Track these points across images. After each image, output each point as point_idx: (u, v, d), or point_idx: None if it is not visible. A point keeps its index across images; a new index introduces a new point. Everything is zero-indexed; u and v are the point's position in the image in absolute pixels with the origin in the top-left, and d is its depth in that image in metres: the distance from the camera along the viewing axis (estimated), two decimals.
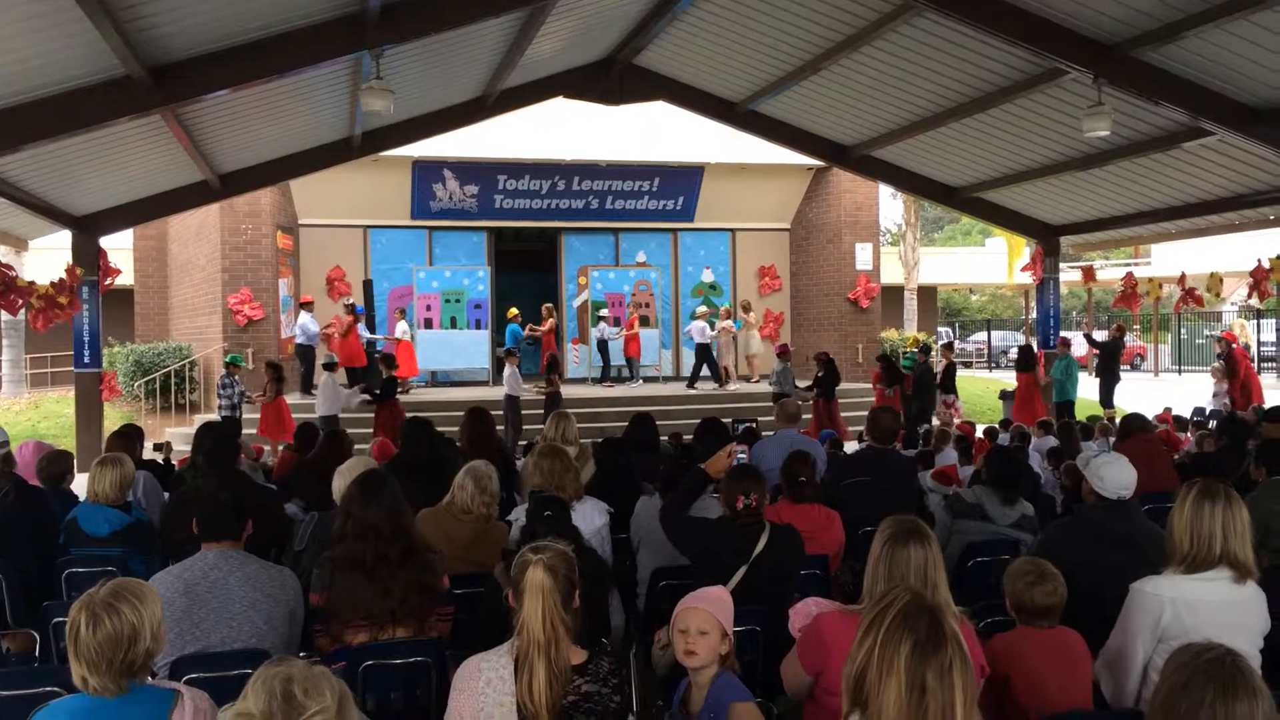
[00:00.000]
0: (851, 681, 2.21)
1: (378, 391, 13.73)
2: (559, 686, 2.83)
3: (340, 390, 13.93)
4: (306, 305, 17.27)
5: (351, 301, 17.69)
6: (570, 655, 2.91)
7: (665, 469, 5.41)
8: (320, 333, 17.17)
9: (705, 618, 3.22)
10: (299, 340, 17.01)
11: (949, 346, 17.91)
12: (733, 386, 18.26)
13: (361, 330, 17.38)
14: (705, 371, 18.41)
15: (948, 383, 16.41)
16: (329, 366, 14.37)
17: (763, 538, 4.23)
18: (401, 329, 17.96)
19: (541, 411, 14.95)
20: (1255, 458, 5.88)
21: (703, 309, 19.27)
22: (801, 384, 16.14)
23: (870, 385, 17.43)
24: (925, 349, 17.56)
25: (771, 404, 15.58)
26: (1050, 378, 15.77)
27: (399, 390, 15.09)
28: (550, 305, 19.21)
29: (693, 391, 17.96)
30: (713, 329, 18.68)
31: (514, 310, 18.92)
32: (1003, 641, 3.41)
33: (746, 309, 19.57)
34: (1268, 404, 12.91)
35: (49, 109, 8.53)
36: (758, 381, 18.86)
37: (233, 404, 13.93)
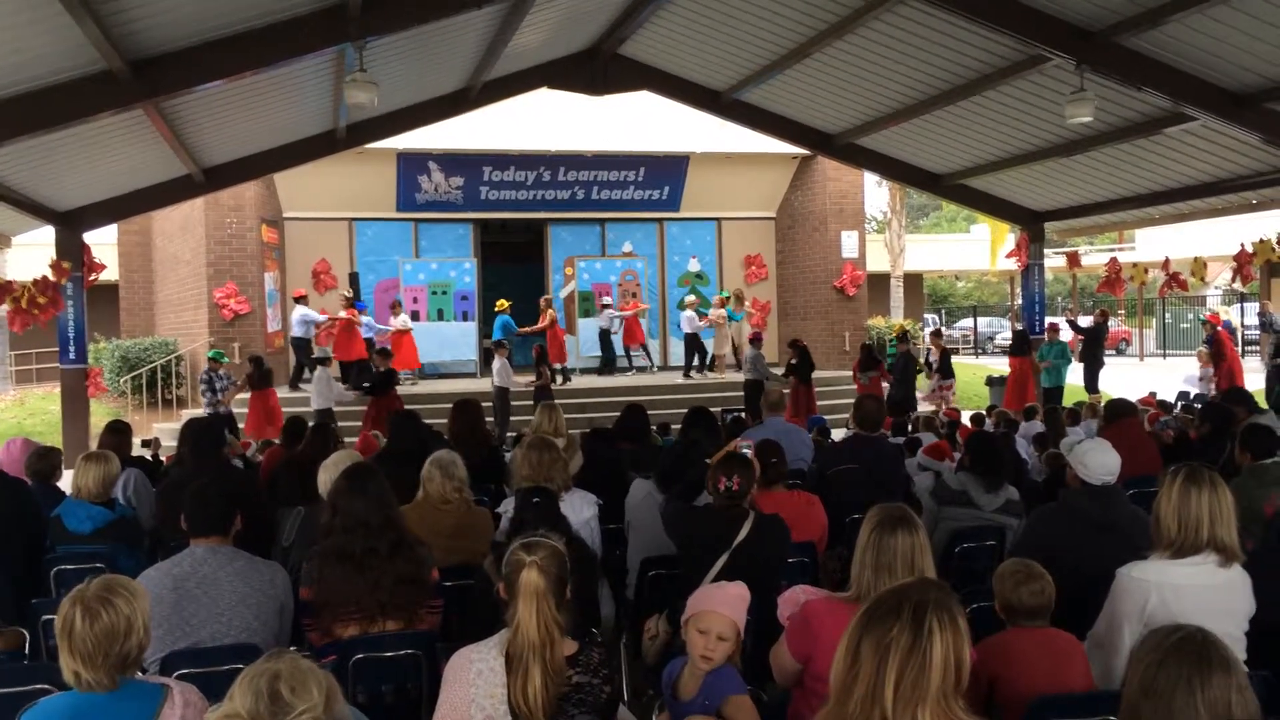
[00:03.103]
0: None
1: (366, 385, 13.70)
2: (554, 688, 2.84)
3: (334, 384, 13.91)
4: (301, 299, 17.14)
5: (349, 296, 17.59)
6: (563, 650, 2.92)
7: (666, 461, 5.42)
8: (317, 328, 17.00)
9: (728, 625, 3.22)
10: (295, 333, 16.86)
11: (937, 334, 17.92)
12: (714, 375, 18.31)
13: (367, 322, 17.27)
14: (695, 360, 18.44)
15: (945, 367, 16.44)
16: (322, 361, 14.30)
17: (745, 525, 4.25)
18: (403, 320, 17.85)
19: (530, 403, 14.95)
20: (1239, 442, 5.91)
21: (691, 298, 19.26)
22: (776, 371, 16.21)
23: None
24: (904, 336, 17.61)
25: (742, 391, 15.69)
26: (1050, 361, 15.86)
27: (397, 382, 15.04)
28: (548, 298, 18.98)
29: (686, 381, 18.01)
30: (701, 318, 18.68)
31: (503, 302, 18.71)
32: (991, 643, 3.41)
33: (741, 299, 19.61)
34: (1249, 388, 12.98)
35: (30, 104, 8.46)
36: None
37: (216, 399, 13.89)
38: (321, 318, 16.90)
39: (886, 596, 2.24)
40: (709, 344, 19.03)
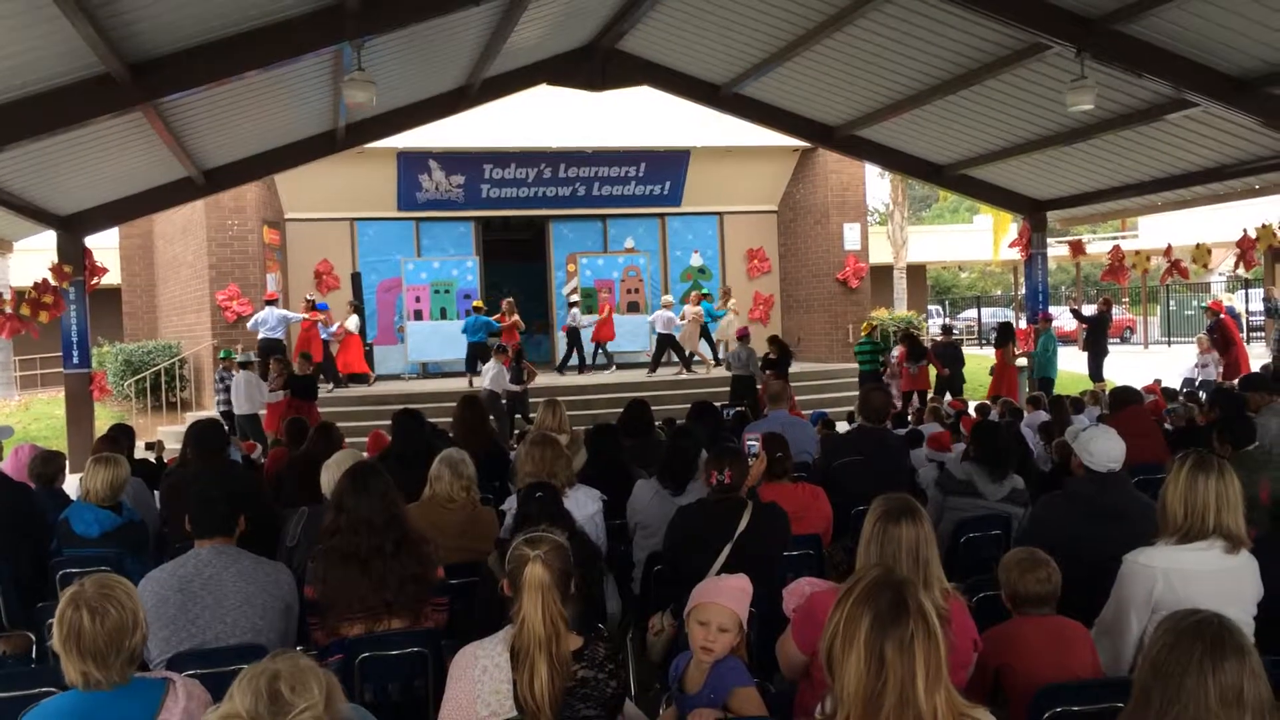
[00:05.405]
0: (825, 658, 2.25)
1: (288, 389, 13.39)
2: (560, 682, 2.83)
3: (261, 386, 13.69)
4: (272, 301, 16.74)
5: (312, 298, 17.47)
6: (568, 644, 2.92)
7: (665, 455, 5.44)
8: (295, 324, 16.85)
9: (728, 616, 3.21)
10: (263, 334, 16.20)
11: (946, 330, 18.07)
12: (705, 371, 18.26)
13: (320, 327, 17.13)
14: (669, 358, 18.28)
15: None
16: (244, 365, 14.07)
17: (745, 515, 4.24)
18: (354, 323, 17.48)
19: (507, 404, 14.83)
20: (1218, 434, 5.86)
21: (667, 299, 19.00)
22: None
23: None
24: (947, 329, 17.71)
25: (729, 387, 15.58)
26: (1026, 354, 15.87)
27: (338, 386, 15.22)
28: (510, 300, 18.24)
29: (689, 376, 17.90)
30: (679, 316, 18.57)
31: (478, 302, 18.20)
32: (998, 632, 3.39)
33: (727, 296, 19.58)
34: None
35: (28, 108, 8.47)
36: None
37: (229, 399, 13.89)
38: (276, 320, 16.21)
39: (883, 593, 2.20)
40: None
